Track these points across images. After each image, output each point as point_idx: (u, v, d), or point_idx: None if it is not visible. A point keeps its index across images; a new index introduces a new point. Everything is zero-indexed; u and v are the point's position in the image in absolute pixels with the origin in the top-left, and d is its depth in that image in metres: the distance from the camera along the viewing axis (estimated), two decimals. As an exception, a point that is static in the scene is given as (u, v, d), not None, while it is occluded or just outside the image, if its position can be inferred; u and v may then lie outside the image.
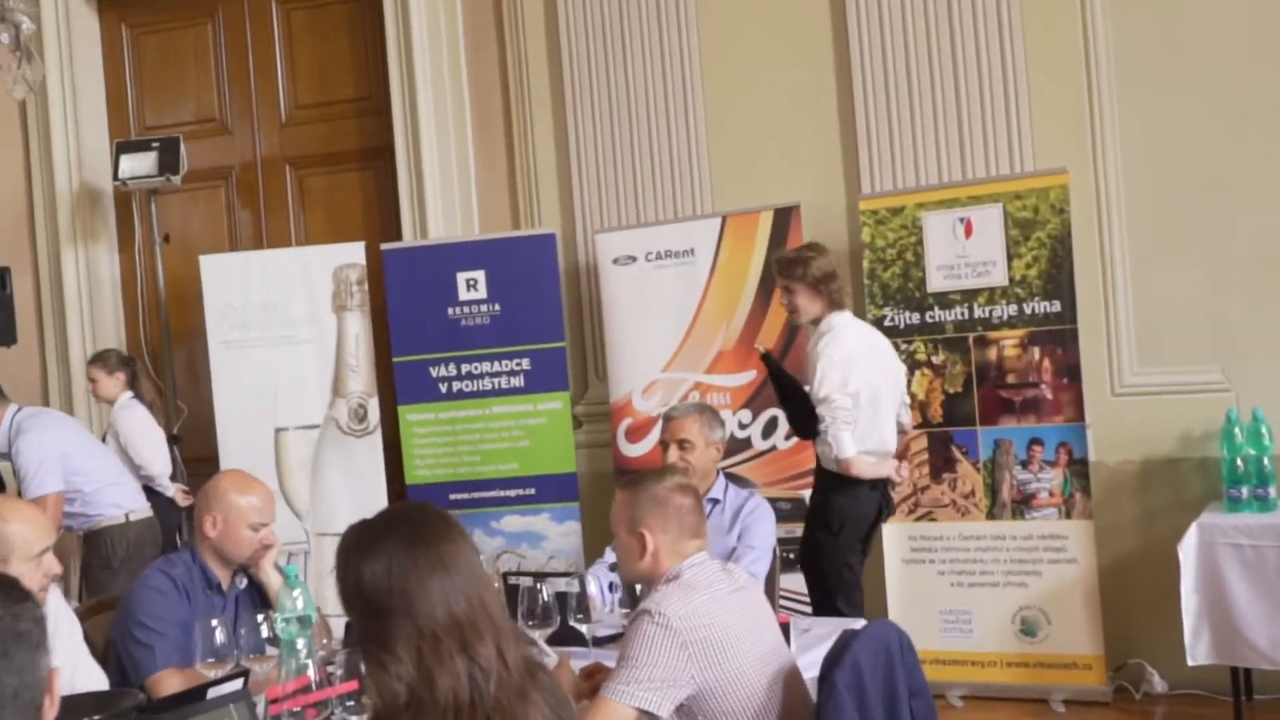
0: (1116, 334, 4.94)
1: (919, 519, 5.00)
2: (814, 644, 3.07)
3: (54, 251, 6.42)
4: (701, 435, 3.72)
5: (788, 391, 4.41)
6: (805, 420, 4.28)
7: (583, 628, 2.88)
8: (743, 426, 5.34)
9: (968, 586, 4.91)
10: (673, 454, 3.72)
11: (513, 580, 3.17)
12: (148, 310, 6.41)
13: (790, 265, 4.29)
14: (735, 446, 5.30)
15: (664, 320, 5.43)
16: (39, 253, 6.46)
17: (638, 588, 2.99)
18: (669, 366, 5.42)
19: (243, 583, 3.17)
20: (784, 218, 5.24)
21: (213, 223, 6.56)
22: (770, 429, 5.30)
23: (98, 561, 4.53)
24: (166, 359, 6.17)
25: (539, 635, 2.88)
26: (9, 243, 6.42)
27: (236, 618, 2.95)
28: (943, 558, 4.95)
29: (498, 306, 5.63)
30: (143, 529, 4.63)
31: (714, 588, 2.46)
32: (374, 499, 5.72)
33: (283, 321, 5.80)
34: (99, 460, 4.71)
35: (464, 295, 5.65)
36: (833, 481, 4.21)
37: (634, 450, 5.45)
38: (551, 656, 2.77)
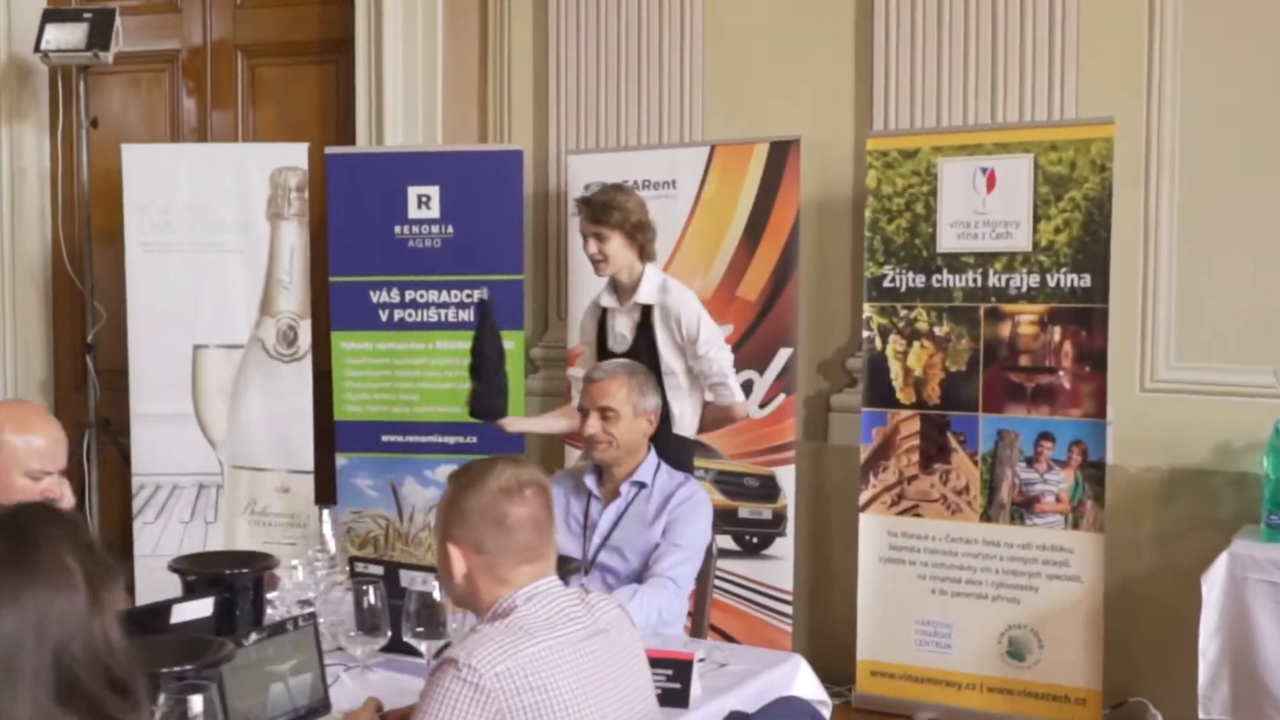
0: (1153, 319, 4.23)
1: (902, 513, 4.32)
2: (732, 685, 2.41)
3: (-26, 130, 5.78)
4: (629, 403, 3.03)
5: (489, 359, 3.72)
6: (493, 396, 3.74)
7: (422, 644, 2.22)
8: (713, 388, 4.67)
9: (951, 596, 4.25)
10: (593, 424, 3.03)
11: (360, 568, 2.52)
12: (73, 202, 5.75)
13: (605, 210, 3.69)
14: (703, 410, 4.66)
15: (636, 259, 4.76)
16: (-43, 131, 5.81)
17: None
18: (637, 313, 4.75)
19: (20, 543, 2.53)
20: (780, 152, 4.54)
21: (153, 111, 5.88)
22: (744, 393, 4.62)
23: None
24: (87, 256, 5.53)
25: (363, 649, 2.23)
26: (-76, 116, 5.77)
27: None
28: (925, 560, 4.29)
29: (451, 228, 4.96)
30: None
31: (558, 632, 1.77)
32: (298, 432, 5.12)
33: (210, 225, 5.14)
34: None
35: (414, 213, 4.99)
36: (684, 449, 3.67)
37: (590, 404, 4.78)
38: (349, 687, 2.13)
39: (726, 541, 4.62)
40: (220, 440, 5.19)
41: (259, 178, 5.11)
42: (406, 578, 2.35)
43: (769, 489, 4.58)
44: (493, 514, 1.85)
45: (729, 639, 4.59)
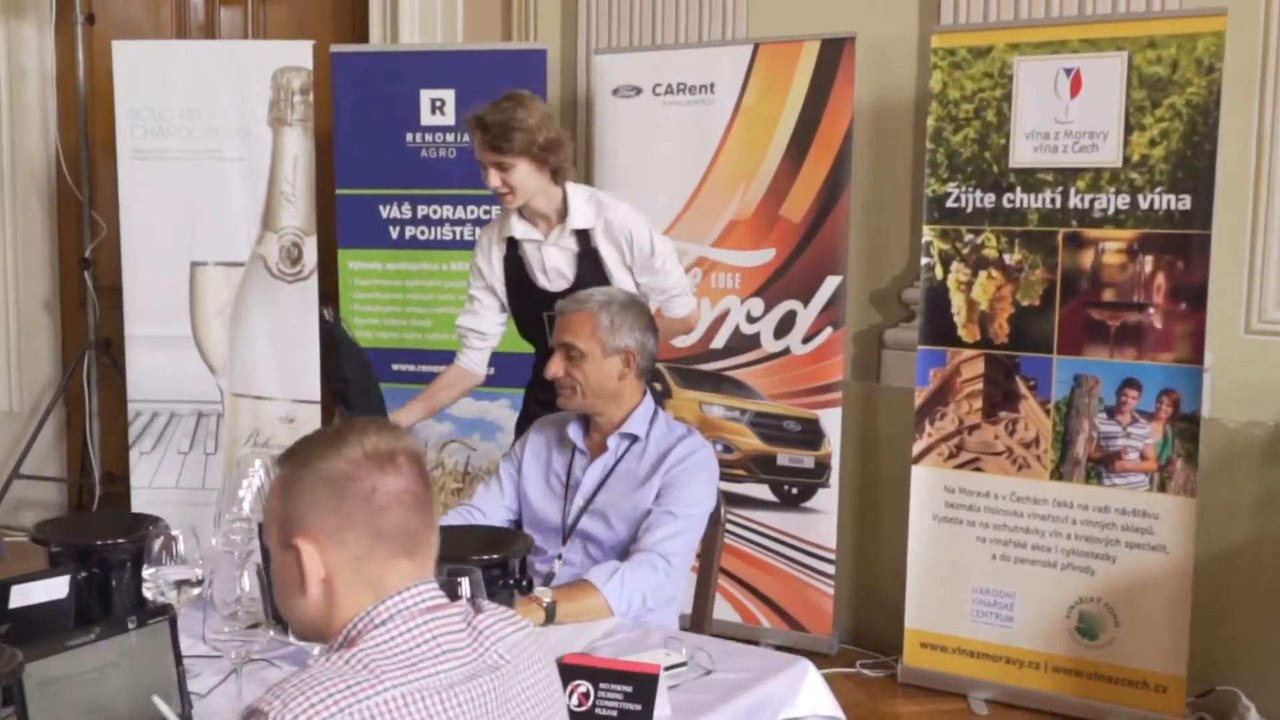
0: (1264, 250, 3.64)
1: (961, 466, 3.80)
2: (716, 700, 1.92)
3: (-32, 27, 5.38)
4: (595, 339, 2.52)
5: (354, 382, 3.23)
6: (365, 391, 3.29)
7: (316, 645, 1.76)
8: (751, 320, 4.19)
9: (1015, 562, 3.73)
10: (555, 364, 2.53)
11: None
12: (74, 105, 5.34)
13: (505, 133, 3.01)
14: (739, 345, 4.19)
15: (668, 173, 4.27)
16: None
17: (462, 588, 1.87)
18: (669, 232, 4.20)
19: None
20: (833, 52, 3.98)
21: (158, 7, 5.44)
22: (785, 326, 4.13)
23: None
24: (83, 164, 5.14)
25: (236, 651, 1.78)
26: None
27: None
28: (986, 520, 3.77)
29: (467, 137, 4.46)
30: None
31: (420, 673, 1.27)
32: (303, 358, 4.71)
33: (207, 132, 4.70)
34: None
35: (427, 119, 4.53)
36: None
37: (616, 333, 4.31)
38: (229, 691, 1.68)
39: (763, 491, 4.16)
40: (220, 366, 4.80)
41: (260, 79, 4.65)
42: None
43: (812, 434, 4.09)
44: (358, 488, 1.34)
45: (763, 599, 4.15)
